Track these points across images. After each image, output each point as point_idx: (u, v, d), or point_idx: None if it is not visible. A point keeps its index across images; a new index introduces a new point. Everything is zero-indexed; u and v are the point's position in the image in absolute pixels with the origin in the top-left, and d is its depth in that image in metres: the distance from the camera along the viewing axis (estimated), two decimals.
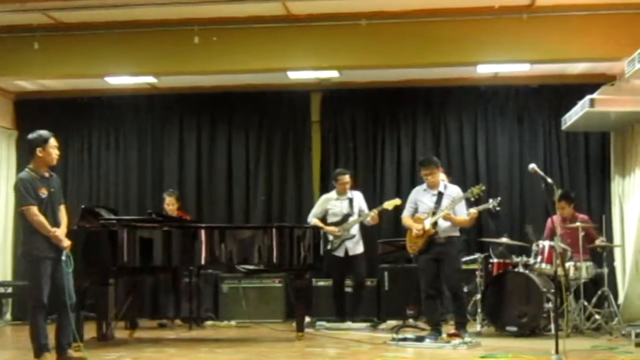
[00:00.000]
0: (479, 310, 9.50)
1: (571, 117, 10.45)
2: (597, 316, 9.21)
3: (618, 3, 9.60)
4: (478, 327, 9.40)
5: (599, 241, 9.77)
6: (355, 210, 10.45)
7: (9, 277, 12.06)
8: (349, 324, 10.09)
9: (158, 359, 7.65)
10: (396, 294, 10.78)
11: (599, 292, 9.39)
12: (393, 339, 8.55)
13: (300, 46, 10.31)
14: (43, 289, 6.83)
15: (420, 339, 8.47)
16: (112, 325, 8.87)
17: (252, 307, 11.00)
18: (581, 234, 9.44)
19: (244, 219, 12.14)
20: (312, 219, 10.55)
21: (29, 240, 6.92)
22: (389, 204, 10.38)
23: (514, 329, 8.99)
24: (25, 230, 6.98)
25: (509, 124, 11.98)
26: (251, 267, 9.88)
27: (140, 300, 10.09)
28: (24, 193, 6.92)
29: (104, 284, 8.42)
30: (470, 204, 8.96)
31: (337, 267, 10.43)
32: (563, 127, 10.97)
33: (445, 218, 8.73)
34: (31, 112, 12.16)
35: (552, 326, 8.05)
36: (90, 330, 8.58)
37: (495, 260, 9.70)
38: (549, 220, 9.80)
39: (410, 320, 10.07)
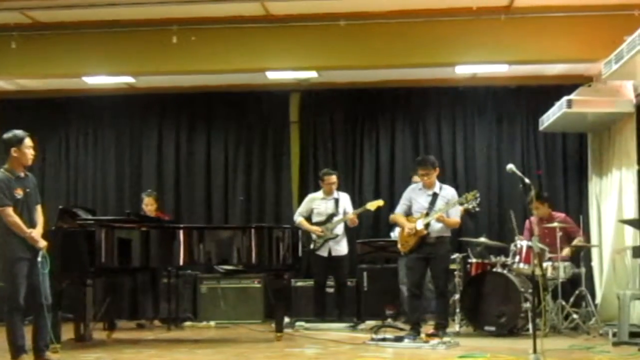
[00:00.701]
0: (458, 310, 9.51)
1: (549, 118, 10.48)
2: (574, 316, 9.24)
3: (595, 5, 9.63)
4: (456, 327, 9.41)
5: (577, 241, 9.81)
6: (340, 211, 10.46)
7: None
8: (328, 325, 10.08)
9: None
10: (375, 294, 10.78)
11: (577, 292, 9.42)
12: (372, 339, 8.55)
13: (279, 46, 10.27)
14: (19, 290, 6.77)
15: (399, 339, 8.47)
16: (90, 326, 8.80)
17: (231, 308, 10.96)
18: (559, 234, 9.47)
19: (223, 219, 12.09)
20: (298, 218, 10.59)
21: (4, 241, 6.85)
22: (371, 205, 10.42)
23: (492, 328, 9.01)
24: (0, 231, 6.90)
25: (487, 124, 12.01)
26: (230, 267, 9.85)
27: (119, 301, 10.02)
28: None
29: (82, 284, 8.36)
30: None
31: (320, 266, 10.44)
32: (541, 128, 11.00)
33: (439, 220, 8.77)
34: (8, 111, 12.02)
35: (530, 326, 8.09)
36: (68, 332, 8.51)
37: (473, 260, 9.71)
38: (527, 221, 9.84)
39: (389, 320, 10.07)
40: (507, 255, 9.45)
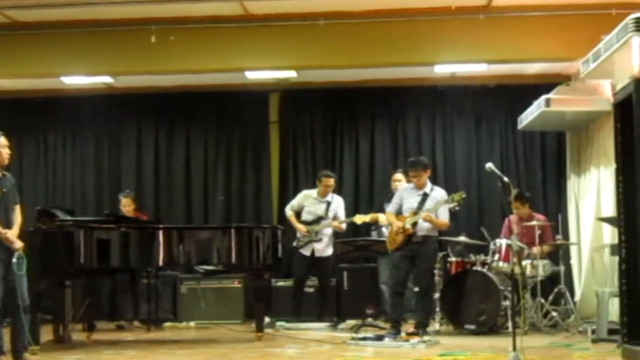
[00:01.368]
0: (438, 308, 9.54)
1: (527, 117, 10.53)
2: (554, 313, 9.31)
3: (573, 4, 9.68)
4: (437, 326, 9.45)
5: (556, 240, 9.85)
6: (330, 214, 10.48)
7: None
8: (308, 324, 10.09)
9: None
10: (355, 294, 10.78)
11: (556, 290, 9.48)
12: (352, 339, 8.57)
13: (258, 46, 10.25)
14: None
15: (379, 338, 8.49)
16: (69, 328, 8.76)
17: (211, 308, 10.92)
18: (537, 232, 9.53)
19: (203, 219, 12.06)
20: (289, 211, 10.65)
21: None
22: (358, 218, 10.41)
23: (472, 327, 9.05)
24: None
25: (466, 123, 12.04)
26: (210, 267, 9.85)
27: (98, 302, 9.98)
28: None
29: (61, 285, 8.33)
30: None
31: (301, 265, 10.49)
32: (519, 127, 11.04)
33: (426, 219, 8.83)
34: None
35: (510, 324, 8.12)
36: (47, 333, 8.46)
37: (453, 259, 9.74)
38: (506, 219, 9.89)
39: (370, 320, 10.08)
40: (486, 254, 9.50)
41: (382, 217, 10.26)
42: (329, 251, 10.52)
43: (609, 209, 9.58)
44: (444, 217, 9.03)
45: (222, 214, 12.08)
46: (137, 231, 8.57)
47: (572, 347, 7.85)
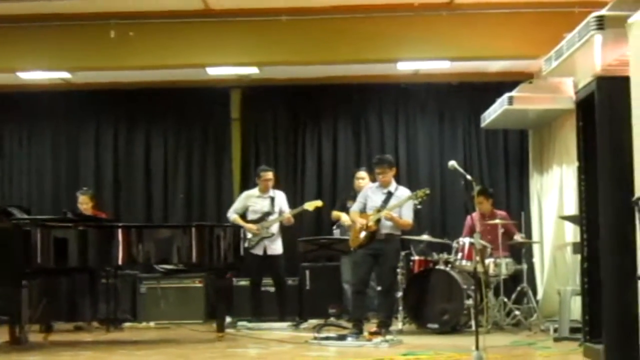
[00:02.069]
0: (401, 307, 9.57)
1: (490, 115, 10.60)
2: (516, 312, 9.39)
3: (536, 2, 9.78)
4: (399, 325, 9.47)
5: (518, 237, 9.93)
6: (276, 209, 10.49)
7: None
8: (270, 324, 10.09)
9: None
10: (318, 293, 10.79)
11: (519, 289, 9.56)
12: (315, 338, 8.56)
13: (220, 42, 10.23)
14: None
15: (341, 337, 8.50)
16: (26, 329, 8.65)
17: (171, 308, 10.87)
18: (500, 230, 9.61)
19: (163, 217, 12.00)
20: (232, 215, 10.58)
21: None
22: (309, 205, 10.50)
23: (435, 326, 9.09)
24: None
25: (429, 121, 12.10)
26: (170, 267, 9.77)
27: (56, 302, 9.87)
28: None
29: (17, 285, 8.21)
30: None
31: (256, 265, 10.47)
32: (482, 125, 11.12)
33: (386, 218, 8.86)
34: None
35: (473, 323, 8.19)
36: (3, 334, 8.37)
37: (416, 257, 9.76)
38: (468, 217, 9.94)
39: (332, 319, 10.10)
40: (449, 253, 9.56)
41: (344, 217, 10.28)
42: (280, 248, 10.58)
43: (571, 207, 9.68)
44: (407, 217, 9.07)
45: (182, 212, 12.04)
46: (95, 230, 8.49)
47: (535, 345, 7.91)
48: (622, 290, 6.04)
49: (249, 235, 10.36)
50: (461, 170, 7.16)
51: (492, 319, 9.16)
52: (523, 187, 11.78)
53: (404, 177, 11.50)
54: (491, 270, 9.39)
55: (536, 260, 10.98)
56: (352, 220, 9.32)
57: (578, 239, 8.35)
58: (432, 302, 9.18)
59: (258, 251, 10.42)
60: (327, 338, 8.54)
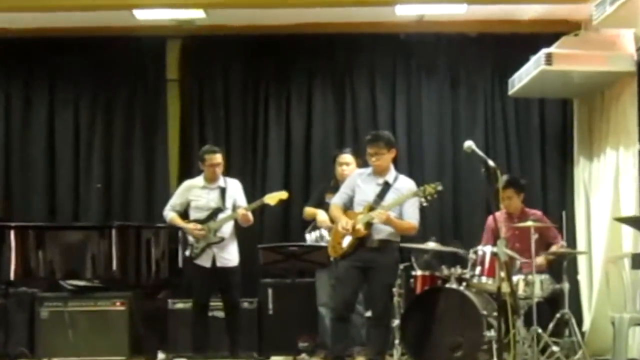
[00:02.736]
0: (397, 340, 9.58)
1: (521, 79, 10.59)
2: (554, 348, 9.39)
3: None
4: None
5: (558, 245, 9.93)
6: (229, 204, 10.43)
7: None
8: None
9: None
10: (284, 320, 10.79)
11: (558, 316, 9.55)
12: None
13: None
14: None
15: None
16: None
17: (83, 340, 10.82)
18: (534, 236, 9.59)
19: (72, 215, 11.95)
20: (169, 213, 10.51)
21: None
22: (271, 198, 10.42)
23: None
24: None
25: (438, 86, 12.11)
26: (82, 283, 9.75)
27: None
28: None
29: None
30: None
31: (201, 281, 10.37)
32: (510, 92, 11.13)
33: (382, 220, 8.80)
34: None
35: None
36: None
37: (418, 272, 9.74)
38: (490, 218, 9.92)
39: (304, 356, 10.09)
40: (464, 266, 9.54)
41: (321, 216, 10.25)
42: (235, 258, 10.50)
43: (631, 204, 9.70)
44: (411, 218, 9.03)
45: (99, 207, 11.97)
46: None
47: None
48: None
49: (192, 240, 10.31)
50: (481, 153, 7.18)
51: (522, 357, 9.17)
52: (565, 177, 11.81)
53: (402, 164, 11.45)
54: (521, 291, 9.39)
55: (582, 277, 11.00)
56: (333, 218, 9.26)
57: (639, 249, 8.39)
58: (440, 334, 9.18)
59: (204, 262, 10.33)
60: None
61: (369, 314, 9.31)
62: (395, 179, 9.16)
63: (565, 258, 9.98)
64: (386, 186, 9.07)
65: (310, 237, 10.70)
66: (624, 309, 9.18)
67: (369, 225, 8.89)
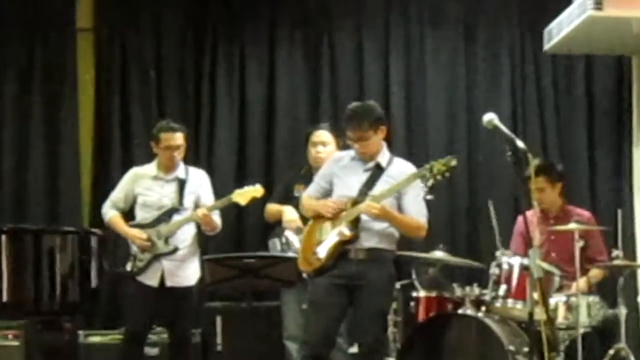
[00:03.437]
0: None
1: (561, 29, 10.62)
2: None
3: None
4: None
5: (612, 256, 9.93)
6: (188, 202, 10.33)
7: None
8: None
9: None
10: (238, 357, 10.83)
11: (612, 352, 9.56)
12: None
13: None
14: None
15: None
16: None
17: None
18: (579, 243, 9.60)
19: None
20: (109, 211, 10.41)
21: None
22: (241, 195, 10.29)
23: None
24: None
25: (448, 39, 12.20)
26: None
27: None
28: None
29: None
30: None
31: (141, 305, 10.30)
32: (546, 47, 11.15)
33: (374, 213, 8.69)
34: None
35: None
36: None
37: (422, 293, 9.77)
38: (520, 219, 9.93)
39: None
40: (483, 284, 9.54)
41: (289, 214, 10.23)
42: (192, 276, 10.43)
43: None
44: (416, 212, 8.87)
45: None
46: None
47: None
48: None
49: (135, 250, 10.26)
50: (506, 130, 7.15)
51: None
52: (621, 162, 11.88)
53: (399, 146, 11.44)
54: (561, 318, 9.40)
55: None
56: (307, 211, 9.23)
57: None
58: None
59: (150, 280, 10.20)
60: None
61: (354, 349, 9.26)
62: (390, 161, 8.98)
63: (622, 273, 9.99)
64: (377, 171, 8.92)
65: (274, 245, 10.64)
66: None
67: (356, 224, 8.80)
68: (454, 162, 8.63)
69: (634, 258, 10.89)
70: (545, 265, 9.05)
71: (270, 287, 10.48)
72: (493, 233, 9.55)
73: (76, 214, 11.62)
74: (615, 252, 9.98)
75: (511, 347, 9.03)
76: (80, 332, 10.84)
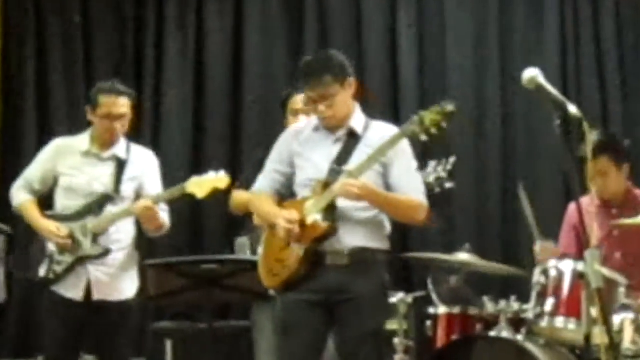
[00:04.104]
0: None
1: None
2: None
3: None
4: None
5: None
6: (128, 190, 10.27)
7: None
8: None
9: None
10: None
11: None
12: None
13: None
14: None
15: None
16: None
17: None
18: None
19: None
20: (19, 194, 10.38)
21: None
22: (197, 185, 10.29)
23: None
24: None
25: None
26: None
27: None
28: None
29: None
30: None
31: (61, 323, 10.32)
32: None
33: (354, 193, 8.60)
34: None
35: None
36: None
37: (441, 309, 9.75)
38: (572, 208, 9.93)
39: None
40: (523, 298, 9.53)
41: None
42: (130, 288, 10.45)
43: None
44: (408, 187, 8.75)
45: None
46: None
47: None
48: None
49: (52, 250, 10.26)
50: (554, 91, 7.11)
51: None
52: None
53: (408, 110, 11.39)
54: (627, 343, 9.39)
55: None
56: (258, 212, 9.22)
57: None
58: None
59: (70, 291, 10.20)
60: None
61: None
62: (366, 126, 8.81)
63: None
64: (351, 140, 8.77)
65: (243, 245, 10.66)
66: None
67: (331, 212, 8.69)
68: (450, 107, 8.34)
69: None
70: (607, 272, 9.03)
71: (238, 301, 10.53)
72: (528, 225, 9.54)
73: None
74: None
75: None
76: None
